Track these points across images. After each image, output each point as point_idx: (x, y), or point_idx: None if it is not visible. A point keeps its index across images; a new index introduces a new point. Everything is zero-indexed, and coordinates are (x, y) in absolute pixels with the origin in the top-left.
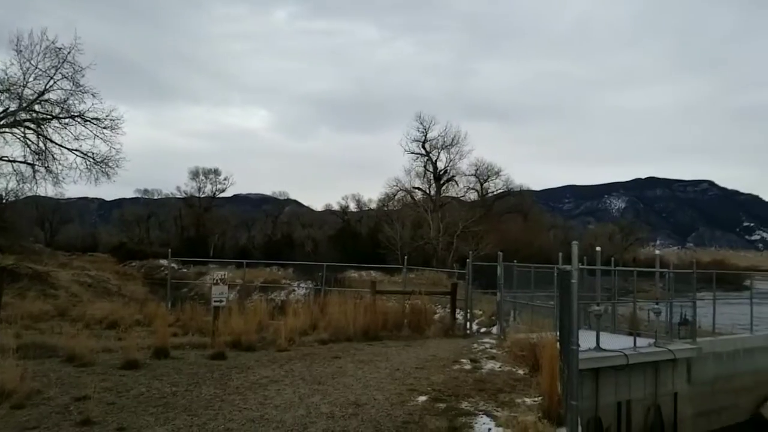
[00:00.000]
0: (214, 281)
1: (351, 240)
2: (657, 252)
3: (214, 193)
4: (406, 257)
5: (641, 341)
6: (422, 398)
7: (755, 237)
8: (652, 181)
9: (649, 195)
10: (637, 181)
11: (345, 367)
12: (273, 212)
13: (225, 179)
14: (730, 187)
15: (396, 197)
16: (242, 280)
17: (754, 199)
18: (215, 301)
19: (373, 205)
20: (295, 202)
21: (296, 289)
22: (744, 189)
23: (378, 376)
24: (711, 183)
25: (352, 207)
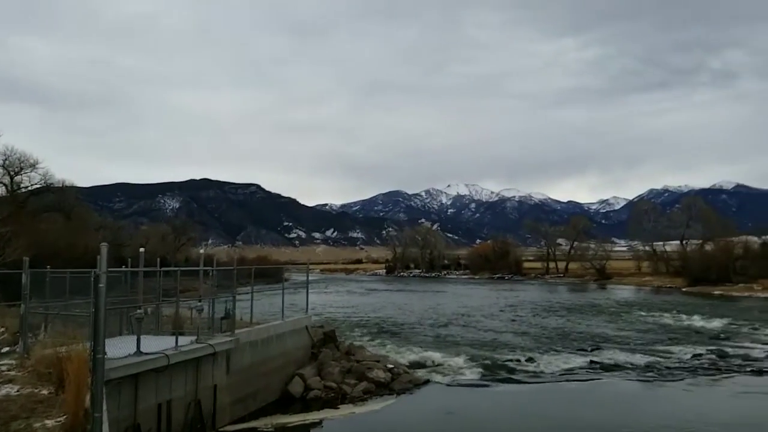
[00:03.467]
0: None
1: None
2: (202, 251)
3: None
4: None
5: (184, 340)
6: None
7: (293, 235)
8: (205, 183)
9: (203, 196)
10: (191, 182)
11: None
12: None
13: None
14: (274, 191)
15: None
16: None
17: (292, 202)
18: None
19: None
20: None
21: None
22: (285, 193)
23: None
24: (259, 186)
25: None
